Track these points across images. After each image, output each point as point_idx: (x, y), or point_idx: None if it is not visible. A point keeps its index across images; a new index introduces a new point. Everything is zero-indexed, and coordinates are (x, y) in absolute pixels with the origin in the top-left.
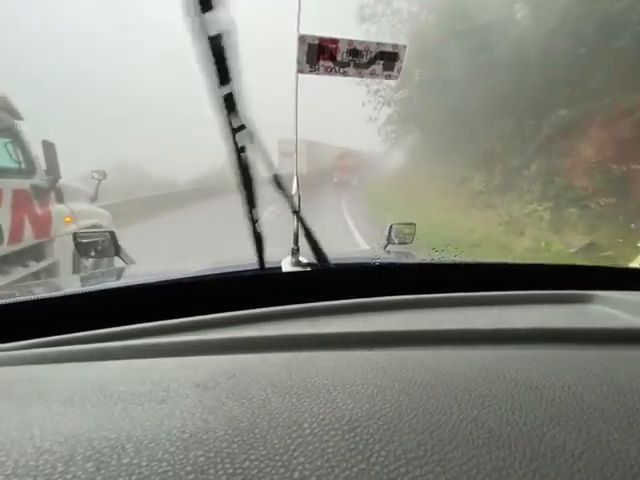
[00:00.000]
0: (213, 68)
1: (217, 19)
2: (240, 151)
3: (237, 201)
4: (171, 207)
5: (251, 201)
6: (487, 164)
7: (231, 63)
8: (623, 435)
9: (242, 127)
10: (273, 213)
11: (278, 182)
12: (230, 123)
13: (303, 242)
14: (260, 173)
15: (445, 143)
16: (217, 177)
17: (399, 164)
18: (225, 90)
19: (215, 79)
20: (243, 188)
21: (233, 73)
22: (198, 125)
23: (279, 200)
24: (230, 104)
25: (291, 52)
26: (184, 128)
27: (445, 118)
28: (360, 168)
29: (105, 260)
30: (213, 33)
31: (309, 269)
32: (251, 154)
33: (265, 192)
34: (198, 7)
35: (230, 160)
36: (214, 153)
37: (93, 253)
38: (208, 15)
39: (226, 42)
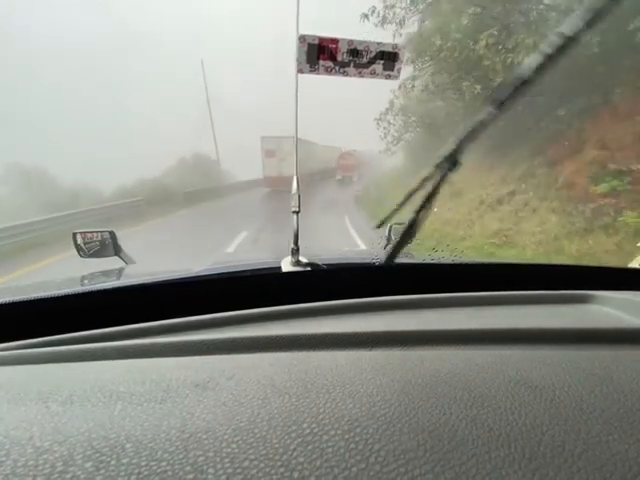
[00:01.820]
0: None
1: None
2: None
3: (183, 225)
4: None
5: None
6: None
7: None
8: (623, 435)
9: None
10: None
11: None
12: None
13: (303, 242)
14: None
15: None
16: (152, 188)
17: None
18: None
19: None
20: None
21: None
22: (127, 120)
23: (249, 227)
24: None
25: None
26: (108, 123)
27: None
28: (359, 166)
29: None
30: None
31: (309, 269)
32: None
33: (234, 219)
34: None
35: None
36: (151, 155)
37: (93, 253)
38: None
39: None
